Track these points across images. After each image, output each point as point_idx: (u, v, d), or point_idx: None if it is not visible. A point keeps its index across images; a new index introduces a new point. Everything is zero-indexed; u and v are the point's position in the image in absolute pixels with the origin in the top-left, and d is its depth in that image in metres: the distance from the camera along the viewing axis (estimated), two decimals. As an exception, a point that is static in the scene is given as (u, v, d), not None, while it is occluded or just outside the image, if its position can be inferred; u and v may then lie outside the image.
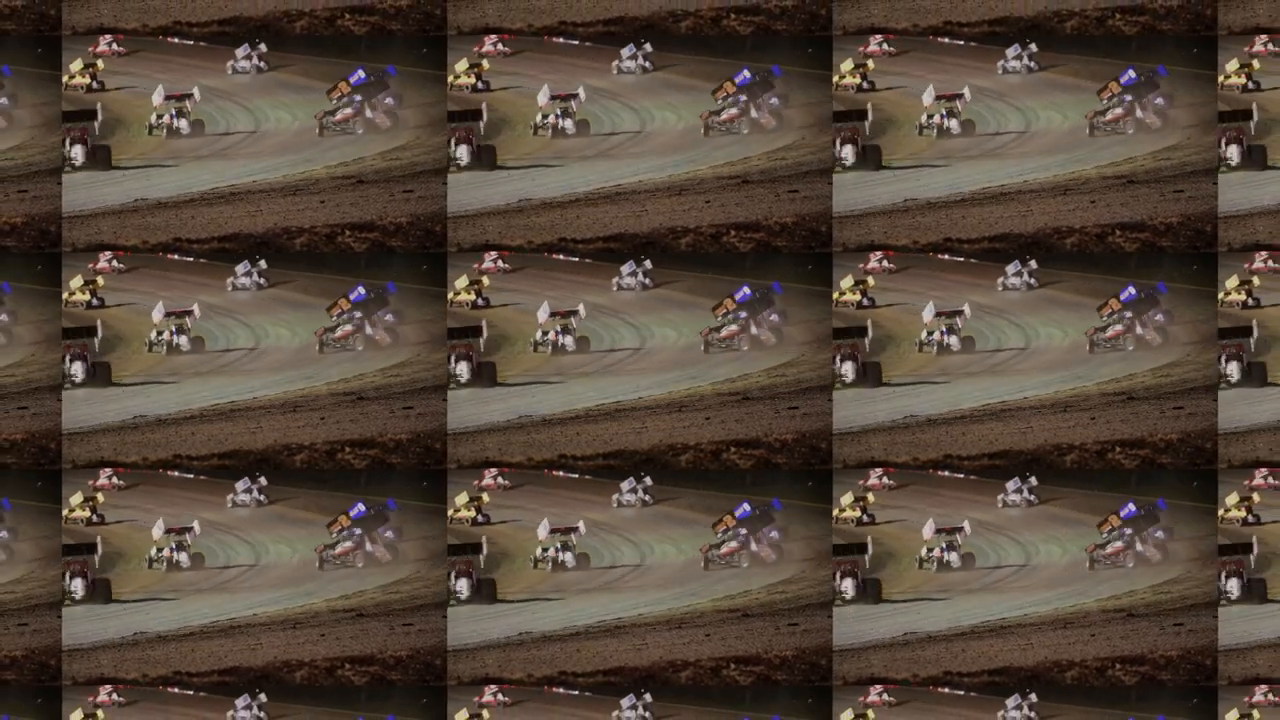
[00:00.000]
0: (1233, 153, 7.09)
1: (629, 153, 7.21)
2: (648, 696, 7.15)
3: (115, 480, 7.17)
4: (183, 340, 7.19)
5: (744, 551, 7.19)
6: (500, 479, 7.18)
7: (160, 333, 7.17)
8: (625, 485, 7.19)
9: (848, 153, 7.10)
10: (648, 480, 7.18)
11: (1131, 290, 7.10)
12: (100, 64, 7.19)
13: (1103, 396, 7.17)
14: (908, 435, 7.18)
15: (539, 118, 7.20)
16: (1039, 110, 7.19)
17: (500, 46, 7.18)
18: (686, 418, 7.21)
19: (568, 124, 7.18)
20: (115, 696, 7.17)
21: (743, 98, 7.19)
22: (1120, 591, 7.18)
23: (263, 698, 7.17)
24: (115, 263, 7.14)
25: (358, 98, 7.20)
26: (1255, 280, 7.12)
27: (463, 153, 7.12)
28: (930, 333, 7.14)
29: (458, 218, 7.20)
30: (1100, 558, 7.12)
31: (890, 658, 7.17)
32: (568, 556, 7.20)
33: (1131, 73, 7.10)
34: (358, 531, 7.19)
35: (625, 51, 7.16)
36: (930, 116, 7.15)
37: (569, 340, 7.18)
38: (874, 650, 7.18)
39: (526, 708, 7.20)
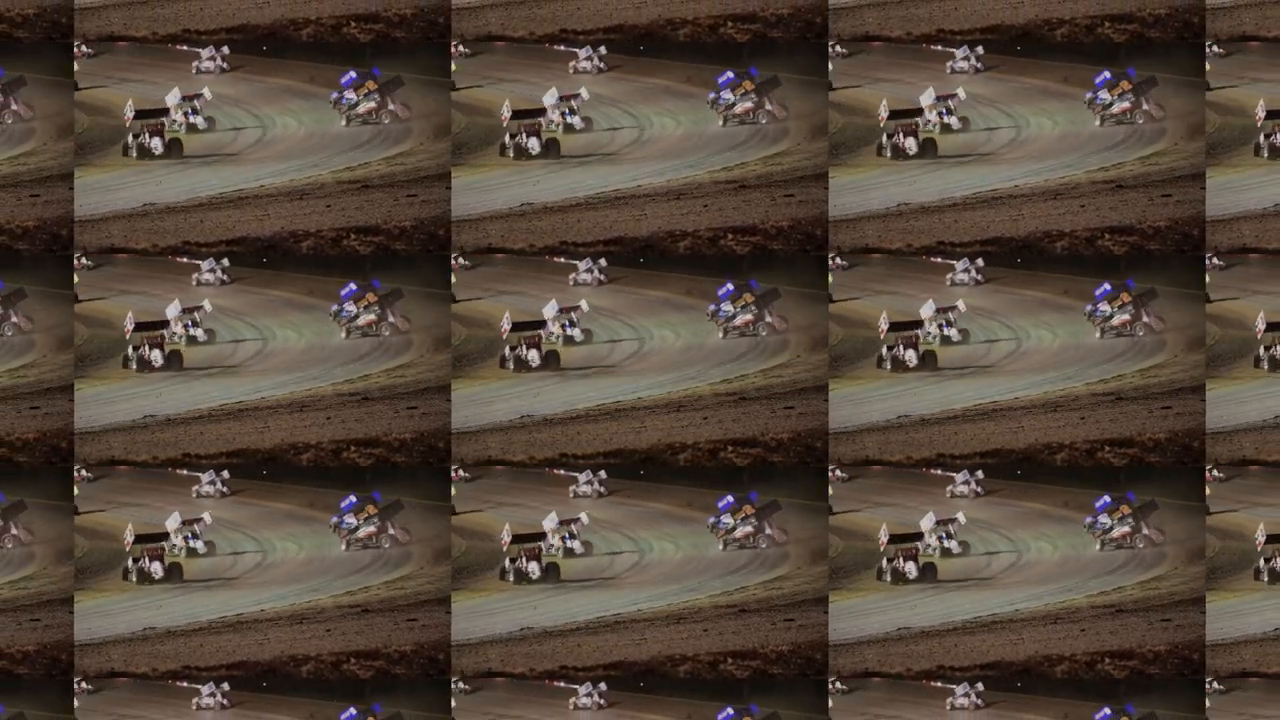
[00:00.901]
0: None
1: (628, 158, 7.21)
2: (603, 685, 7.19)
3: (84, 473, 7.20)
4: (199, 333, 7.21)
5: (760, 535, 7.21)
6: (463, 473, 7.20)
7: (174, 330, 7.20)
8: (582, 478, 7.23)
9: (910, 144, 7.13)
10: (603, 474, 7.21)
11: (1107, 286, 7.15)
12: (75, 66, 7.21)
13: (1092, 397, 7.17)
14: (901, 435, 7.17)
15: (544, 119, 7.22)
16: (1030, 116, 7.19)
17: (461, 48, 7.20)
18: (685, 417, 7.20)
19: (575, 120, 7.19)
20: (84, 685, 7.18)
21: (753, 94, 7.24)
22: (1109, 588, 7.18)
23: (226, 686, 7.21)
24: (84, 260, 7.17)
25: (375, 93, 7.24)
26: (1207, 278, 7.17)
27: (534, 144, 7.15)
28: (928, 329, 7.17)
29: (461, 221, 7.19)
30: (1108, 540, 7.16)
31: (884, 652, 7.17)
32: (575, 544, 7.20)
33: (1107, 73, 7.15)
34: (377, 517, 7.24)
35: (582, 53, 7.18)
36: (927, 119, 7.19)
37: (576, 333, 7.19)
38: (868, 645, 7.18)
39: (482, 697, 7.26)
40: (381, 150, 7.20)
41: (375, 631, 7.20)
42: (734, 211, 7.19)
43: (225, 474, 7.19)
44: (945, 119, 7.18)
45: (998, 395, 7.18)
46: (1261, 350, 7.13)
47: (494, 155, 7.19)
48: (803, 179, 7.17)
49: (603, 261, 7.17)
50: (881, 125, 7.17)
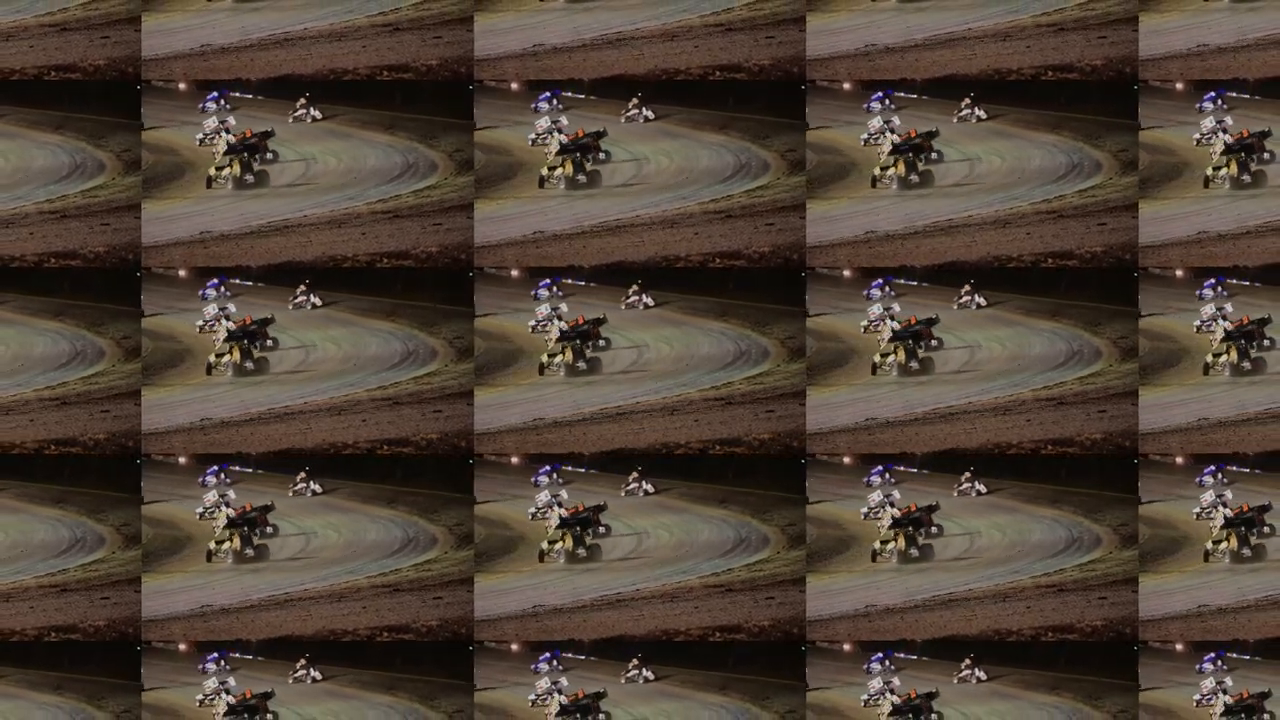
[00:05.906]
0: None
1: (629, 191, 7.35)
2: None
3: (312, 488, 7.37)
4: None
5: (640, 486, 7.31)
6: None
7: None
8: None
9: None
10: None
11: (881, 281, 7.26)
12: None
13: (1037, 401, 7.35)
14: (868, 436, 7.34)
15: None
16: (982, 155, 7.36)
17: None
18: (678, 420, 7.36)
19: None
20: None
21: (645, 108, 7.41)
22: (1051, 570, 7.34)
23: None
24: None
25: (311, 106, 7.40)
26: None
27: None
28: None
29: (482, 248, 7.33)
30: (961, 491, 7.32)
31: (853, 627, 7.34)
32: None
33: (883, 95, 7.28)
34: (311, 482, 7.39)
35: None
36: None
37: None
38: (840, 620, 7.35)
39: (498, 665, 7.43)
40: (411, 184, 7.34)
41: (405, 608, 7.36)
42: (721, 238, 7.34)
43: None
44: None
45: (954, 401, 7.37)
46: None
47: (510, 189, 7.33)
48: (782, 209, 7.33)
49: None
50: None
